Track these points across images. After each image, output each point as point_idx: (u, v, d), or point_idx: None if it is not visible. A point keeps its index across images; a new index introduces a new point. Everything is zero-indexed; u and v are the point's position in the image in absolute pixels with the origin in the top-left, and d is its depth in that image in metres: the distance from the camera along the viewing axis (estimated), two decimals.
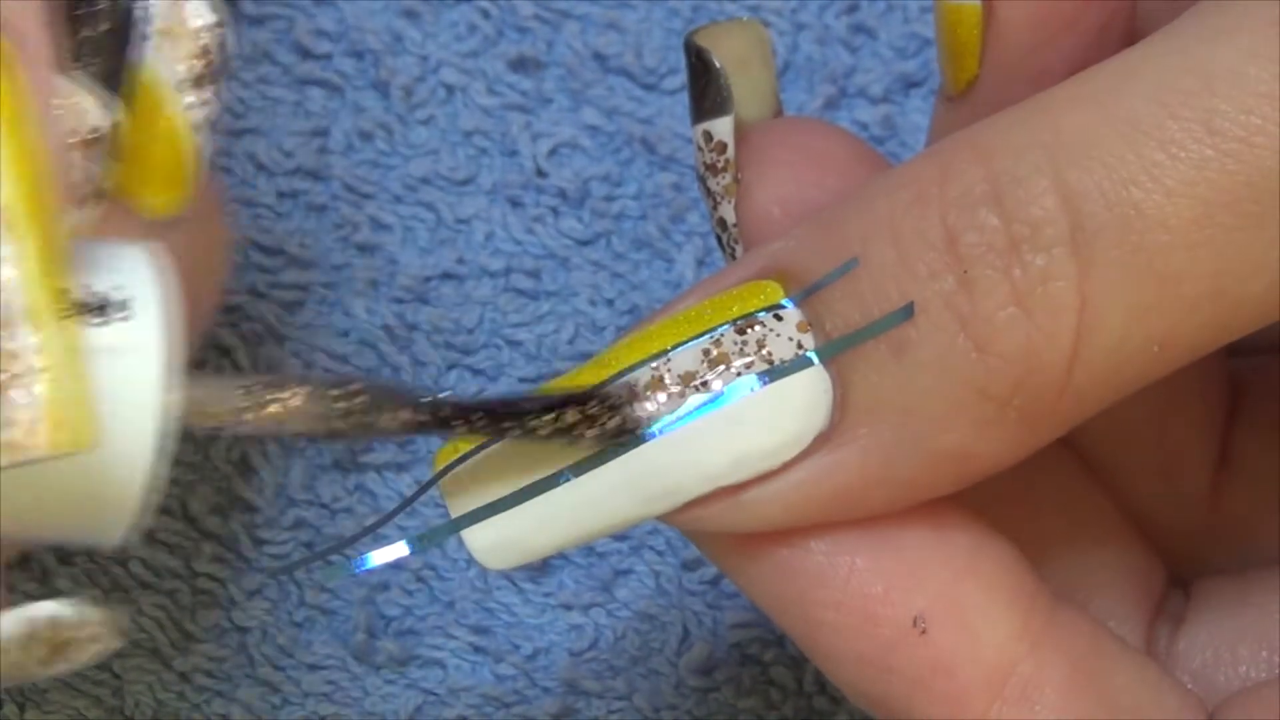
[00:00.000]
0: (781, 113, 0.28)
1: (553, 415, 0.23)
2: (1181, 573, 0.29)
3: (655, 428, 0.24)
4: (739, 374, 0.24)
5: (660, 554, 0.35)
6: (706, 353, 0.24)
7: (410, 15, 0.37)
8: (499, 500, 0.24)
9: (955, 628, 0.24)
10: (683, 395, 0.24)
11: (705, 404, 0.24)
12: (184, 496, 0.35)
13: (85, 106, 0.23)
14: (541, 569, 0.35)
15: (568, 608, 0.35)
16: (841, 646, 0.25)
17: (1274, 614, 0.27)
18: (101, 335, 0.21)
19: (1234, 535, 0.29)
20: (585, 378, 0.24)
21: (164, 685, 0.35)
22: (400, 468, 0.35)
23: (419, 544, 0.25)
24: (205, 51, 0.25)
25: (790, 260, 0.24)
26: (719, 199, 0.27)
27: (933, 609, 0.24)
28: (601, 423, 0.24)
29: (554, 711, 0.35)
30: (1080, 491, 0.29)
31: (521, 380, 0.36)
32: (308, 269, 0.36)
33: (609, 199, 0.36)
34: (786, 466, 0.24)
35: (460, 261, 0.36)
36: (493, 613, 0.35)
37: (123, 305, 0.22)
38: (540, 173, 0.36)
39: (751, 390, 0.24)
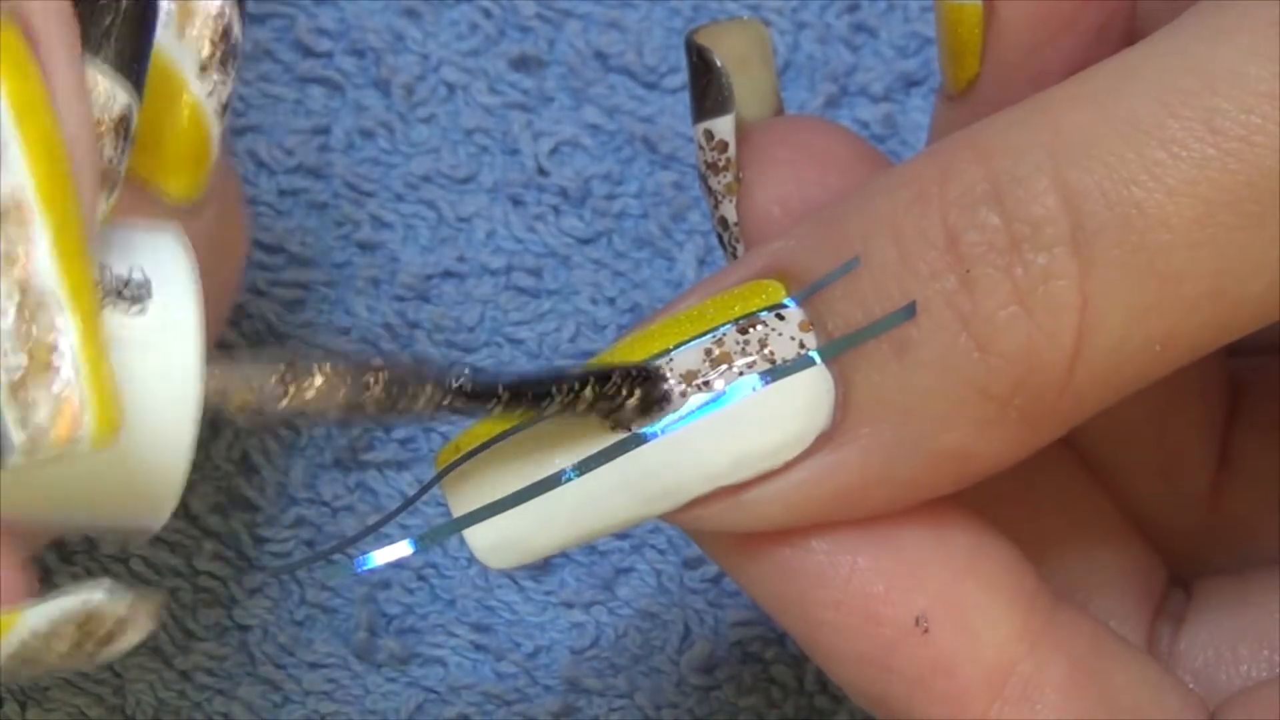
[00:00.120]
0: (782, 111, 0.28)
1: (590, 388, 0.23)
2: (1182, 572, 0.29)
3: (657, 427, 0.24)
4: (741, 373, 0.24)
5: (662, 552, 0.35)
6: (708, 352, 0.24)
7: (411, 14, 0.37)
8: (501, 499, 0.24)
9: (955, 627, 0.24)
10: (684, 395, 0.24)
11: (707, 403, 0.24)
12: (185, 495, 0.35)
13: (113, 92, 0.23)
14: (543, 567, 0.35)
15: (569, 606, 0.35)
16: (842, 646, 0.25)
17: (1274, 613, 0.27)
18: (136, 321, 0.21)
19: (1234, 535, 0.29)
20: None
21: (165, 684, 0.35)
22: (401, 466, 0.35)
23: (421, 543, 0.25)
24: (223, 34, 0.25)
25: (792, 259, 0.24)
26: (720, 198, 0.27)
27: (933, 609, 0.24)
28: (639, 395, 0.23)
29: (555, 710, 0.35)
30: (1080, 491, 0.29)
31: None
32: (309, 267, 0.36)
33: (610, 197, 0.36)
34: (788, 466, 0.24)
35: (461, 260, 0.36)
36: (494, 611, 0.35)
37: (155, 289, 0.22)
38: (541, 171, 0.36)
39: (753, 389, 0.24)
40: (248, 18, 0.36)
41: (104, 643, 0.21)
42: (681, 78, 0.36)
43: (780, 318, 0.24)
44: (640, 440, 0.24)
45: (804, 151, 0.27)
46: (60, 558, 0.35)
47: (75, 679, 0.35)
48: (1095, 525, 0.29)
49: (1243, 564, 0.28)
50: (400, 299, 0.36)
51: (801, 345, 0.24)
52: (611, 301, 0.36)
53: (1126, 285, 0.22)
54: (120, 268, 0.22)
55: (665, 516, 0.25)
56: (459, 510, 0.25)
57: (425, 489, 0.26)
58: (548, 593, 0.35)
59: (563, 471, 0.24)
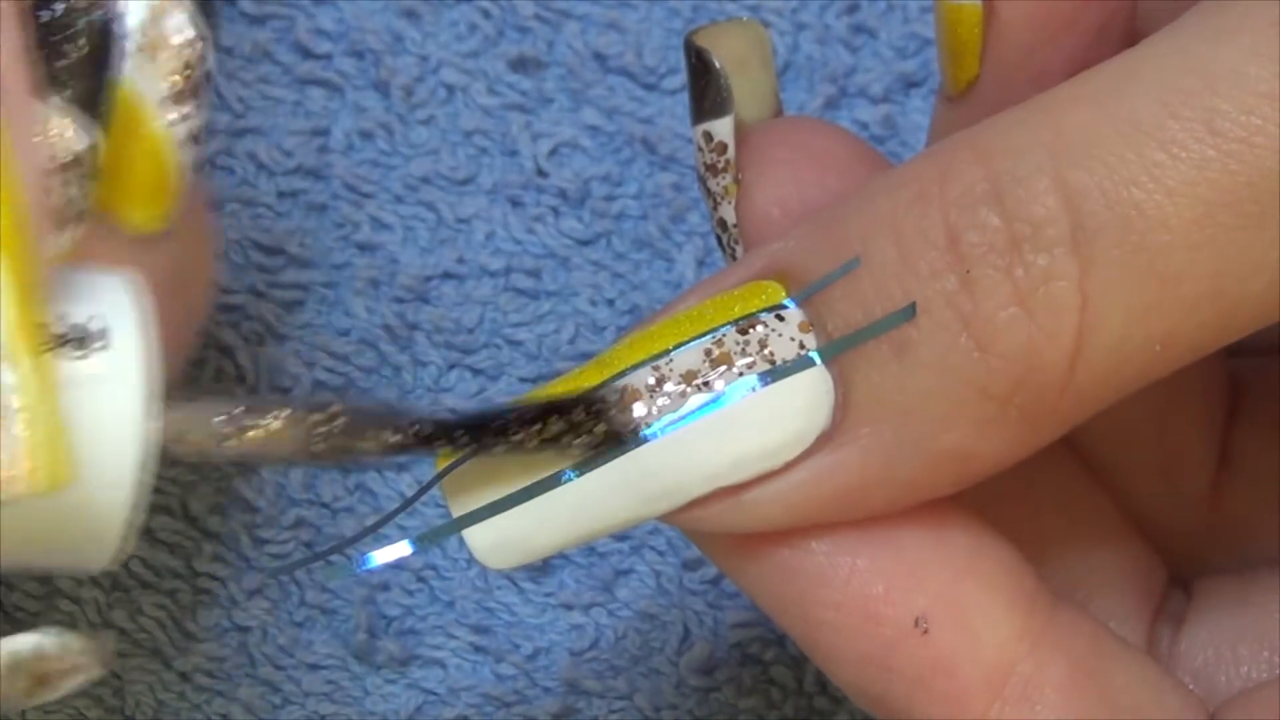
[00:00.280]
0: (781, 113, 0.28)
1: (538, 427, 0.23)
2: (1182, 573, 0.29)
3: (656, 428, 0.24)
4: (741, 374, 0.24)
5: (661, 554, 0.35)
6: (708, 352, 0.24)
7: (410, 15, 0.37)
8: (500, 500, 0.24)
9: (955, 628, 0.24)
10: (684, 395, 0.24)
11: (706, 404, 0.24)
12: (184, 496, 0.35)
13: (64, 131, 0.23)
14: (542, 569, 0.35)
15: (568, 607, 0.35)
16: (842, 646, 0.25)
17: (1275, 614, 0.27)
18: (80, 367, 0.21)
19: (1234, 535, 0.29)
20: (586, 377, 0.24)
21: (164, 685, 0.35)
22: (401, 467, 0.35)
23: (421, 543, 0.25)
24: (187, 66, 0.25)
25: (791, 260, 0.24)
26: (719, 199, 0.27)
27: (933, 609, 0.24)
28: (587, 429, 0.24)
29: (555, 711, 0.35)
30: (1080, 491, 0.29)
31: (522, 380, 0.36)
32: (308, 268, 0.36)
33: (609, 199, 0.36)
34: (788, 466, 0.24)
35: (461, 261, 0.36)
36: (493, 612, 0.35)
37: (101, 335, 0.22)
38: (541, 172, 0.36)
39: (753, 390, 0.24)
40: (246, 19, 0.36)
41: (54, 685, 0.21)
42: (681, 79, 0.36)
43: (780, 318, 0.24)
44: (640, 440, 0.24)
45: (803, 153, 0.27)
46: None
47: None
48: (1095, 525, 0.29)
49: (1243, 564, 0.28)
50: (399, 300, 0.36)
51: (801, 346, 0.24)
52: (611, 303, 0.36)
53: (1126, 286, 0.22)
54: (68, 312, 0.22)
55: (665, 517, 0.25)
56: (458, 511, 0.25)
57: (425, 489, 0.26)
58: (547, 594, 0.35)
59: (562, 472, 0.24)
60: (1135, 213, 0.22)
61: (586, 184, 0.36)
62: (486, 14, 0.37)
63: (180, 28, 0.25)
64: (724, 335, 0.24)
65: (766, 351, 0.24)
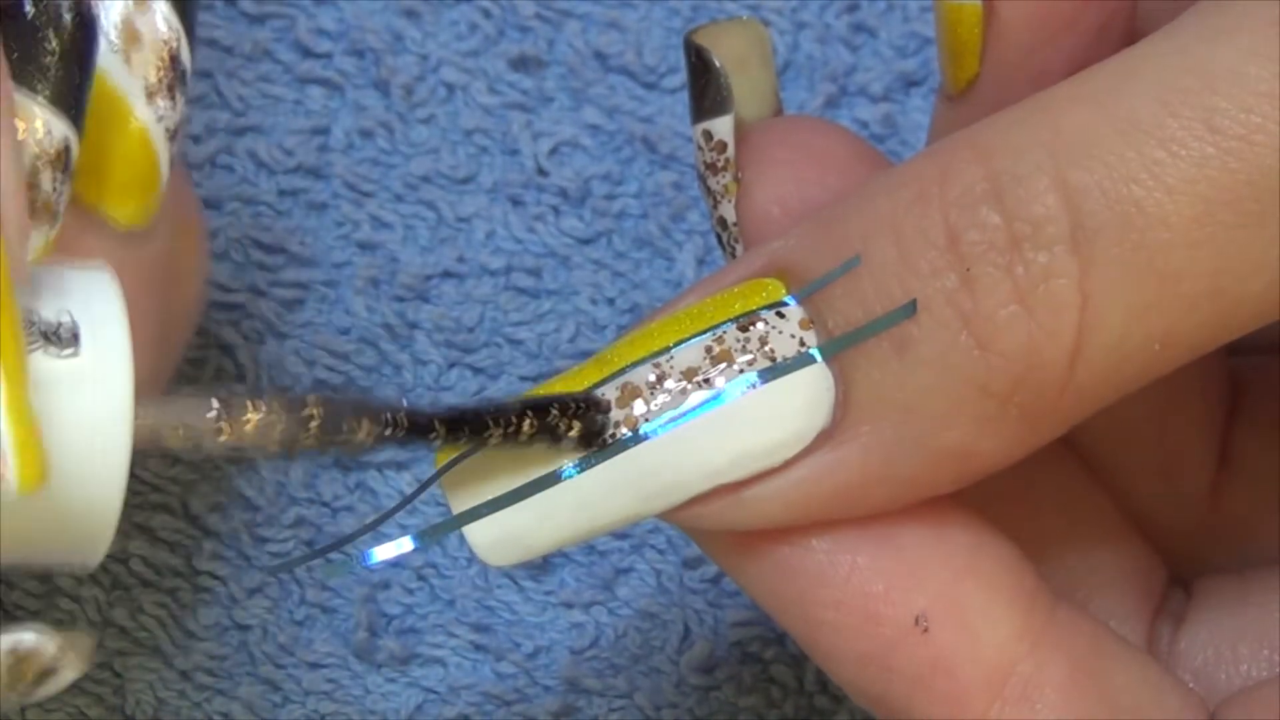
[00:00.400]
0: (781, 111, 0.28)
1: (511, 426, 0.23)
2: (1182, 572, 0.29)
3: (656, 424, 0.24)
4: (741, 371, 0.24)
5: (661, 552, 0.35)
6: (709, 350, 0.24)
7: (411, 14, 0.37)
8: (501, 496, 0.24)
9: (955, 627, 0.24)
10: (684, 392, 0.24)
11: (707, 401, 0.24)
12: (185, 494, 0.35)
13: (51, 126, 0.23)
14: (542, 567, 0.35)
15: (569, 606, 0.35)
16: (842, 645, 0.25)
17: (1274, 613, 0.27)
18: (65, 365, 0.21)
19: (1234, 535, 0.29)
20: (587, 375, 0.24)
21: (165, 683, 0.35)
22: (401, 466, 0.35)
23: (423, 539, 0.25)
24: (169, 60, 0.25)
25: (792, 258, 0.24)
26: (719, 198, 0.27)
27: (933, 608, 0.24)
28: (564, 432, 0.24)
29: (555, 710, 0.35)
30: (1080, 491, 0.29)
31: (522, 379, 0.36)
32: (308, 267, 0.36)
33: (610, 198, 0.36)
34: (788, 464, 0.24)
35: (461, 260, 0.36)
36: (494, 611, 0.35)
37: (84, 332, 0.22)
38: (541, 171, 0.36)
39: (753, 387, 0.24)
40: (246, 18, 0.36)
41: (36, 683, 0.21)
42: (681, 78, 0.36)
43: (781, 316, 0.24)
44: (640, 438, 0.24)
45: (803, 152, 0.27)
46: None
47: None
48: (1095, 525, 0.29)
49: (1243, 564, 0.28)
50: (400, 299, 0.36)
51: (802, 343, 0.24)
52: (611, 302, 0.36)
53: (1126, 284, 0.22)
54: (50, 310, 0.22)
55: (665, 515, 0.25)
56: (459, 508, 0.25)
57: (424, 486, 0.26)
58: (547, 593, 0.35)
59: (563, 468, 0.24)
60: (1135, 210, 0.22)
61: (587, 183, 0.36)
62: (487, 13, 0.37)
63: (158, 23, 0.25)
64: (725, 332, 0.24)
65: (767, 349, 0.24)
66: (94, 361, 0.21)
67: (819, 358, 0.24)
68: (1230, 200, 0.22)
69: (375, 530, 0.30)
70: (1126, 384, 0.23)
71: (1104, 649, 0.25)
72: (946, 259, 0.23)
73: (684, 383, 0.24)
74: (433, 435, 0.23)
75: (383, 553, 0.24)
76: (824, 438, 0.24)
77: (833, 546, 0.25)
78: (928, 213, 0.23)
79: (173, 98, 0.25)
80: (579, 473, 0.24)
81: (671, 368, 0.24)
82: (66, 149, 0.23)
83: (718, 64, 0.27)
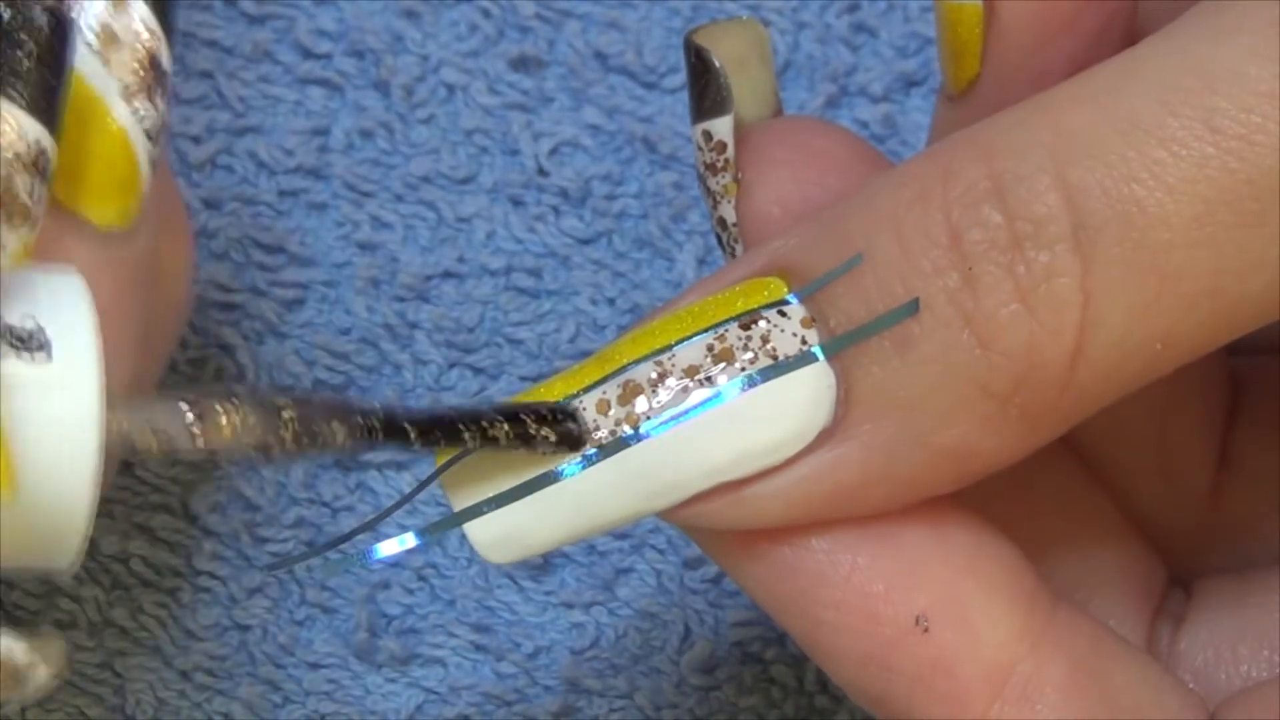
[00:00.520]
0: (781, 112, 0.28)
1: (486, 433, 0.23)
2: (1182, 572, 0.29)
3: (658, 422, 0.24)
4: (743, 369, 0.24)
5: (661, 552, 0.35)
6: (710, 348, 0.24)
7: (411, 15, 0.37)
8: (503, 493, 0.24)
9: (956, 627, 0.24)
10: (686, 390, 0.24)
11: (708, 399, 0.24)
12: (185, 494, 0.35)
13: (27, 130, 0.23)
14: (543, 567, 0.35)
15: (569, 606, 0.35)
16: (842, 645, 0.25)
17: (1275, 613, 0.27)
18: (32, 372, 0.21)
19: (1234, 535, 0.29)
20: (588, 373, 0.24)
21: (165, 683, 0.35)
22: (401, 466, 0.35)
23: (426, 534, 0.25)
24: (148, 62, 0.25)
25: (793, 257, 0.24)
26: (719, 198, 0.27)
27: (933, 608, 0.24)
28: (541, 438, 0.24)
29: (555, 710, 0.35)
30: (1080, 491, 0.29)
31: (522, 379, 0.36)
32: (308, 267, 0.36)
33: (610, 198, 0.36)
34: (789, 462, 0.24)
35: (461, 260, 0.36)
36: (494, 611, 0.35)
37: (54, 337, 0.21)
38: (541, 171, 0.36)
39: (755, 385, 0.24)
40: (246, 19, 0.36)
41: (10, 687, 0.21)
42: (681, 78, 0.36)
43: (782, 314, 0.24)
44: (642, 436, 0.24)
45: (803, 152, 0.27)
46: None
47: (75, 679, 0.35)
48: (1095, 525, 0.29)
49: (1243, 564, 0.28)
50: (400, 299, 0.36)
51: (804, 341, 0.24)
52: (611, 302, 0.36)
53: (1127, 283, 0.22)
54: (17, 316, 0.21)
55: (666, 513, 0.25)
56: (460, 507, 0.25)
57: (423, 485, 0.26)
58: (548, 593, 0.35)
59: (564, 467, 0.24)
60: (1136, 210, 0.22)
61: (587, 183, 0.36)
62: (487, 13, 0.37)
63: (136, 24, 0.25)
64: (726, 331, 0.24)
65: (769, 347, 0.24)
66: (62, 368, 0.21)
67: (821, 356, 0.24)
68: (1230, 200, 0.22)
69: (374, 530, 0.30)
70: (1127, 383, 0.23)
71: (1104, 649, 0.25)
72: (949, 258, 0.23)
73: (685, 381, 0.24)
74: (409, 440, 0.23)
75: (386, 549, 0.24)
76: (825, 436, 0.24)
77: (833, 546, 0.25)
78: (930, 211, 0.23)
79: (153, 99, 0.25)
80: (581, 470, 0.24)
81: (673, 366, 0.24)
82: (42, 152, 0.23)
83: (718, 64, 0.27)
